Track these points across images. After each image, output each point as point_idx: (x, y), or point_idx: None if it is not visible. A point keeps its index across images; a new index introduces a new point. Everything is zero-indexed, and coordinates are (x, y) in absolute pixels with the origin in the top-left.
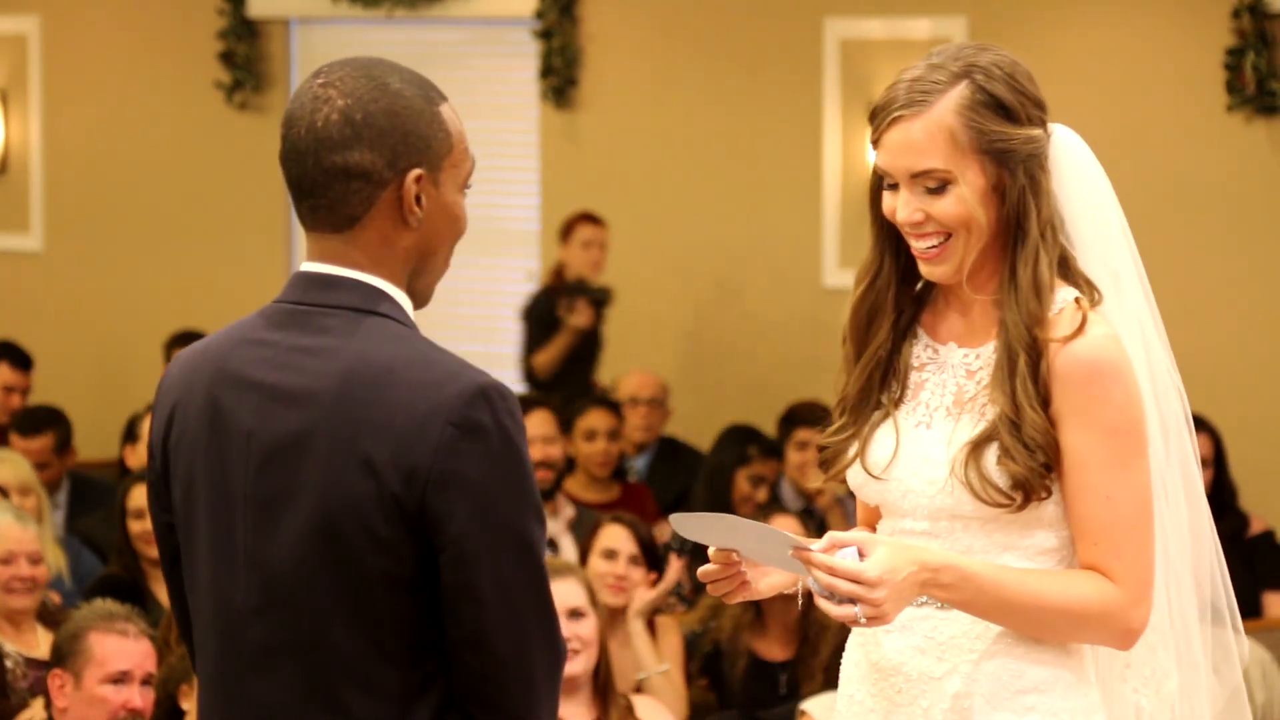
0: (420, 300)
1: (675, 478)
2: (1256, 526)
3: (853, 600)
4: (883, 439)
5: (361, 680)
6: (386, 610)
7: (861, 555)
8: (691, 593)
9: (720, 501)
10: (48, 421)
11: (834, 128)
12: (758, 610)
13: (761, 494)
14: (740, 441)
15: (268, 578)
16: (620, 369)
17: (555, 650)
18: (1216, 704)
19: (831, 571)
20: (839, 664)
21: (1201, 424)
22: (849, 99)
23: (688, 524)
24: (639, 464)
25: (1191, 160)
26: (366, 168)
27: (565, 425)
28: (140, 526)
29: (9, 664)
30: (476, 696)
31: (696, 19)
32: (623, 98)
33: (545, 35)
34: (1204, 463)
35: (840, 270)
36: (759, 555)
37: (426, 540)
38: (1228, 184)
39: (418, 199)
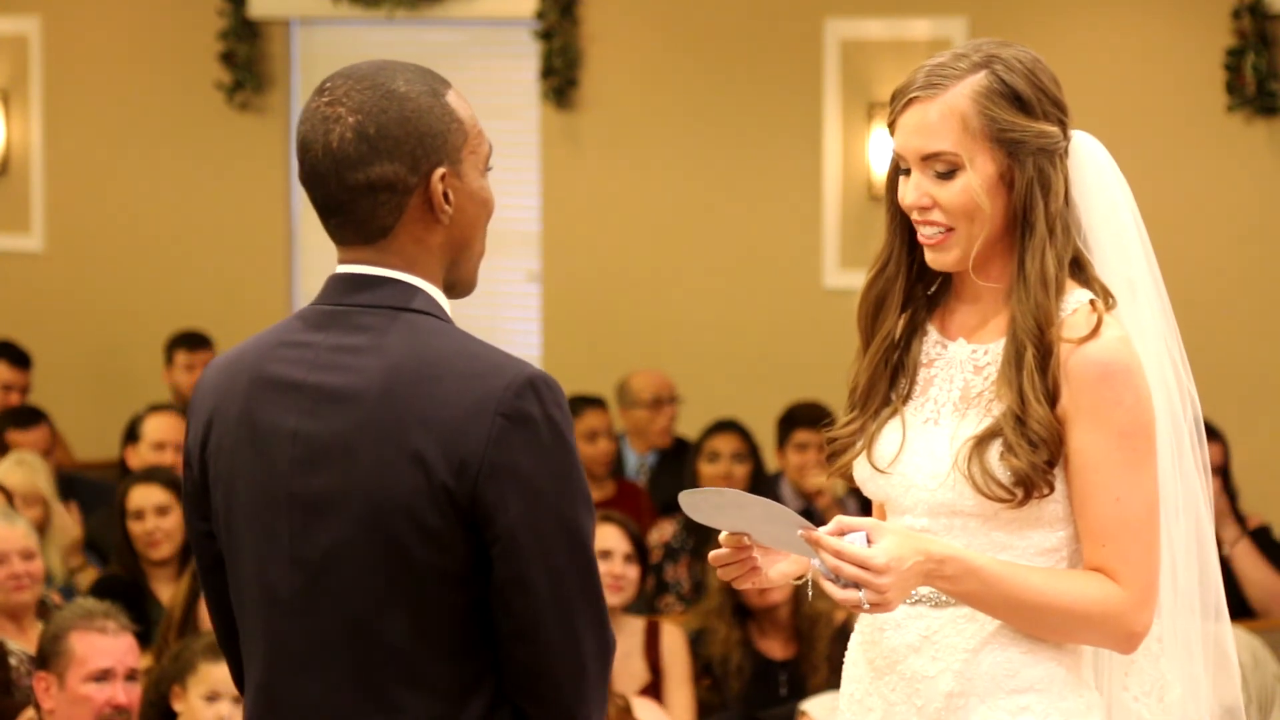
0: (465, 288)
1: (680, 478)
2: (1252, 524)
3: (856, 585)
4: (890, 434)
5: (413, 676)
6: (437, 605)
7: (869, 541)
8: (690, 592)
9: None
10: (39, 416)
11: (834, 128)
12: (750, 614)
13: (723, 465)
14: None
15: (315, 576)
16: (620, 369)
17: (605, 641)
18: (1215, 714)
19: (838, 555)
20: (842, 655)
21: (1213, 432)
22: (849, 99)
23: (695, 503)
24: (649, 461)
25: (1191, 160)
26: (391, 179)
27: None
28: (140, 527)
29: (13, 661)
30: (527, 690)
31: (697, 19)
32: (623, 98)
33: (546, 36)
34: (1215, 470)
35: (840, 271)
36: (766, 536)
37: (477, 533)
38: (1228, 184)
39: (445, 196)
